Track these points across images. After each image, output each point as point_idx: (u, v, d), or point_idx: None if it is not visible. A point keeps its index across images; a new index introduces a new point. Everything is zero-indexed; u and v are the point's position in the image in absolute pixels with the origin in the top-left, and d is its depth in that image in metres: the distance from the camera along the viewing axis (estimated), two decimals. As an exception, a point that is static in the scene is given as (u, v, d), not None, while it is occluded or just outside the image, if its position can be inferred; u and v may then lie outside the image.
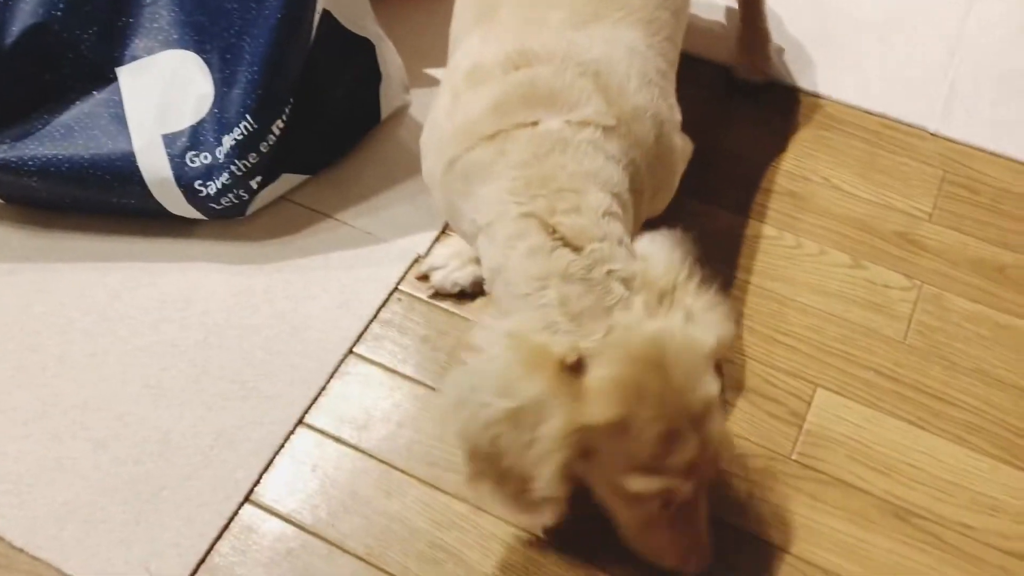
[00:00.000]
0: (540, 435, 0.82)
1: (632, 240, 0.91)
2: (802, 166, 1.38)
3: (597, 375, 0.81)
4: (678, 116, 1.05)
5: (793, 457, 1.09)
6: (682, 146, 1.06)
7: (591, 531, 0.97)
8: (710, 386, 0.84)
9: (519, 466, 0.83)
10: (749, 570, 1.01)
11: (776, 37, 1.51)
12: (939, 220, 1.32)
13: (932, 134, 1.42)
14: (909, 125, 1.43)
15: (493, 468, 0.85)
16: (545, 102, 0.92)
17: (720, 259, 1.25)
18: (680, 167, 1.08)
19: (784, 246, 1.28)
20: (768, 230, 1.30)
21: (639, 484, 0.85)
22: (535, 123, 0.91)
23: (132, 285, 1.21)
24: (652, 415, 0.82)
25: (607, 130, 0.92)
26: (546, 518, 0.93)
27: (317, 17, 1.20)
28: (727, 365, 1.15)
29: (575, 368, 0.81)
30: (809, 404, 1.13)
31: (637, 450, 0.83)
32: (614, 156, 0.92)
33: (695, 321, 0.85)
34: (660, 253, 0.88)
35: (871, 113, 1.45)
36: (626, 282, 0.86)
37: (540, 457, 0.82)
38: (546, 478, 0.82)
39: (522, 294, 0.87)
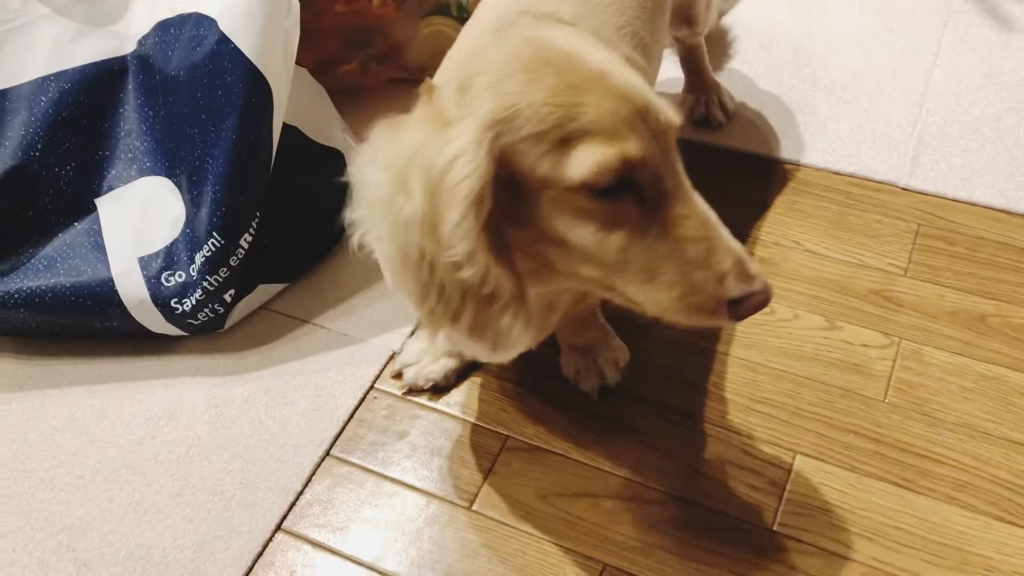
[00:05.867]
0: (445, 159, 0.71)
1: None
2: (774, 232, 1.38)
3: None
4: None
5: (775, 528, 1.06)
6: None
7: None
8: (617, 64, 0.75)
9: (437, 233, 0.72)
10: (733, 651, 0.98)
11: (743, 106, 1.54)
12: (915, 274, 1.31)
13: (903, 188, 1.42)
14: (879, 182, 1.43)
15: (427, 276, 0.75)
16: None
17: (692, 331, 1.25)
18: None
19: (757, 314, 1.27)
20: (741, 299, 1.29)
21: (579, 158, 0.71)
22: None
23: (118, 405, 1.24)
24: (539, 78, 0.72)
25: None
26: (507, 323, 0.76)
27: (277, 134, 1.25)
28: (711, 439, 1.14)
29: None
30: (789, 472, 1.11)
31: (542, 117, 0.70)
32: None
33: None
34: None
35: (840, 173, 1.45)
36: None
37: (452, 181, 0.70)
38: (458, 221, 0.70)
39: None
